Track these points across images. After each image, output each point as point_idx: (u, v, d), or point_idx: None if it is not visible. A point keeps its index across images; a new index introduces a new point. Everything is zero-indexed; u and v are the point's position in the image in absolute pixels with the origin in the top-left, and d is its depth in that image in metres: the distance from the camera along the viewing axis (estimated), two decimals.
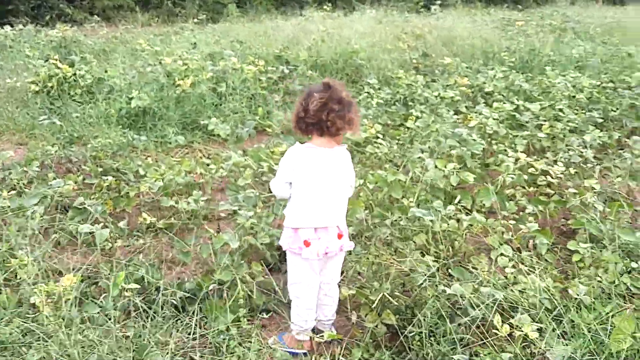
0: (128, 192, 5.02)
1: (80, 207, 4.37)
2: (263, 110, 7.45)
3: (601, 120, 7.24)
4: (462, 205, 4.91)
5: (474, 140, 5.64)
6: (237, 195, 4.90)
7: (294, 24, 12.56)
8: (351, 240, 3.58)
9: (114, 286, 3.37)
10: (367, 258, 4.06)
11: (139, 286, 3.48)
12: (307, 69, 8.87)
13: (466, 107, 7.94)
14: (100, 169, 5.51)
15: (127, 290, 3.37)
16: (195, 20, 13.82)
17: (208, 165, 5.79)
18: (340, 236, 3.38)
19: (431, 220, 4.25)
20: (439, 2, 21.76)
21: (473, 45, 11.13)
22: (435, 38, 11.45)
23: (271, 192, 5.04)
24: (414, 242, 4.33)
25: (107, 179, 5.14)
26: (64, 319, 3.17)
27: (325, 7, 16.04)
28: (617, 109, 7.62)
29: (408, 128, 6.33)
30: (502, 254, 4.00)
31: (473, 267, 4.18)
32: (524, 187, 5.32)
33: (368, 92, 7.46)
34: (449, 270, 4.14)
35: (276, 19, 14.31)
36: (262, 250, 4.24)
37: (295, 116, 3.39)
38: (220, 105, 7.67)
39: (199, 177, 5.63)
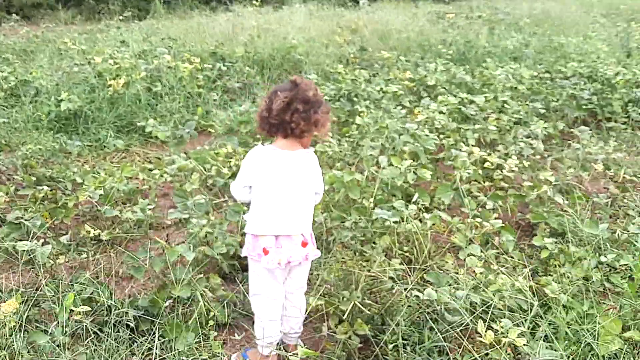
0: (66, 203, 4.64)
1: (16, 221, 3.98)
2: (202, 109, 7.12)
3: (543, 111, 7.26)
4: (422, 204, 4.76)
5: (427, 135, 5.50)
6: (186, 201, 4.60)
7: (225, 19, 12.19)
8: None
9: (63, 309, 3.04)
10: (332, 265, 3.85)
11: (89, 308, 3.16)
12: (245, 65, 8.56)
13: (409, 101, 7.83)
14: (33, 178, 5.09)
15: (77, 314, 3.04)
16: (121, 17, 13.27)
17: (151, 170, 5.45)
18: (304, 244, 3.16)
19: (395, 222, 4.07)
20: None
21: (409, 39, 11.06)
22: (371, 32, 11.32)
23: (222, 198, 4.83)
24: (378, 245, 4.15)
25: (42, 189, 4.75)
26: (6, 349, 2.85)
27: (254, 2, 15.68)
28: (558, 99, 7.65)
29: (357, 125, 6.13)
30: (470, 254, 3.86)
31: (439, 268, 4.04)
32: (478, 182, 5.22)
33: None
34: (417, 273, 4.00)
35: (206, 15, 13.88)
36: (218, 261, 3.97)
37: (258, 115, 3.17)
38: (156, 105, 7.30)
39: (142, 183, 5.29)
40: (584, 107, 7.58)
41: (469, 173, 4.99)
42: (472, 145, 5.73)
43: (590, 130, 6.41)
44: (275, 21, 11.38)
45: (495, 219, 4.50)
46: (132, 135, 6.86)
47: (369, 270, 3.79)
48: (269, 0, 17.95)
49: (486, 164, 5.24)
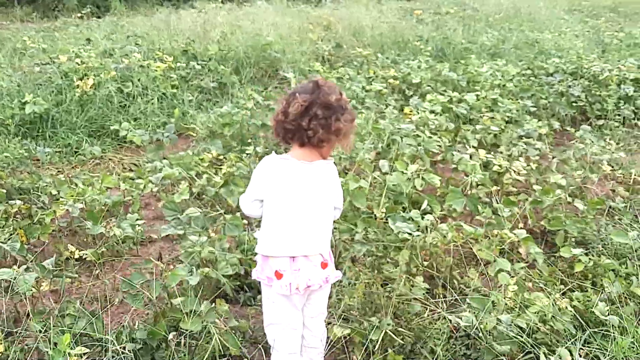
0: (43, 218, 4.16)
1: None
2: (179, 111, 6.66)
3: (534, 109, 7.02)
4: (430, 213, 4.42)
5: (429, 137, 5.17)
6: (177, 214, 4.16)
7: (191, 16, 11.67)
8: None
9: (58, 353, 2.60)
10: (352, 286, 3.48)
11: (88, 350, 2.72)
12: (219, 64, 8.10)
13: (394, 100, 7.52)
14: (3, 191, 4.58)
15: (74, 357, 2.61)
16: (79, 14, 12.62)
17: (133, 179, 4.99)
18: (324, 265, 2.78)
19: (410, 234, 3.71)
20: None
21: (382, 35, 10.74)
22: (343, 28, 10.96)
23: (215, 209, 4.40)
24: (395, 260, 3.80)
25: (14, 204, 4.25)
26: None
27: None
28: (547, 97, 7.42)
29: None
30: (501, 270, 3.53)
31: (465, 286, 3.72)
32: (485, 186, 4.90)
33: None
34: (438, 290, 3.67)
35: (169, 12, 13.32)
36: (220, 283, 3.56)
37: (273, 119, 2.77)
38: (129, 107, 6.81)
39: (123, 193, 4.83)
40: (574, 104, 7.38)
41: (481, 176, 4.67)
42: (474, 147, 5.43)
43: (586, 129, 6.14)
44: (243, 18, 10.91)
45: (512, 228, 4.21)
46: (104, 140, 6.38)
47: (391, 291, 3.44)
48: None
49: (495, 168, 4.93)
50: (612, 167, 5.46)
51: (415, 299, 3.38)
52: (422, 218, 3.99)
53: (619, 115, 7.11)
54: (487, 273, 3.66)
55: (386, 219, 4.07)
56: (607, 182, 5.42)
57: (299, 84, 2.80)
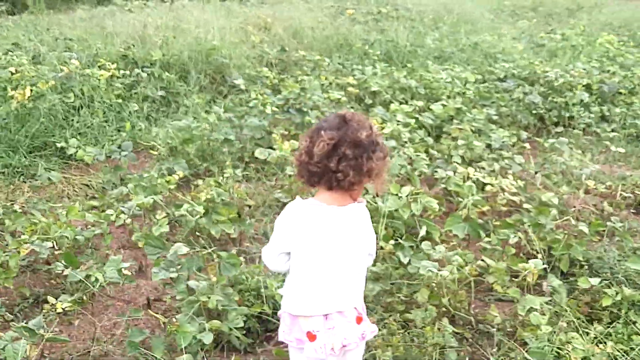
0: (7, 261, 3.61)
1: None
2: (131, 124, 6.11)
3: (496, 117, 6.88)
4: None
5: (417, 155, 4.90)
6: (161, 251, 3.71)
7: (120, 15, 10.98)
8: None
9: None
10: (383, 337, 3.15)
11: None
12: (163, 70, 7.56)
13: (352, 107, 7.23)
14: None
15: None
16: None
17: (97, 207, 4.48)
18: (359, 320, 2.46)
19: (433, 272, 3.42)
20: None
21: (327, 37, 10.40)
22: (283, 29, 10.56)
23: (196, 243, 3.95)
24: (410, 297, 3.51)
25: None
26: None
27: None
28: (506, 104, 7.30)
29: None
30: (532, 309, 3.29)
31: (489, 325, 3.47)
32: (476, 206, 4.66)
33: (257, 98, 6.42)
34: (462, 331, 3.41)
35: (84, 9, 12.51)
36: (229, 335, 3.17)
37: (297, 160, 2.42)
38: (72, 120, 6.20)
39: (85, 226, 4.31)
40: (534, 112, 7.31)
41: (478, 198, 4.43)
42: (458, 164, 5.21)
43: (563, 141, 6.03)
44: (176, 18, 10.31)
45: (516, 254, 4.00)
46: (49, 158, 5.76)
47: (422, 340, 3.14)
48: None
49: (487, 187, 4.71)
50: (595, 181, 5.36)
51: (451, 347, 3.09)
52: (434, 249, 3.73)
53: (583, 123, 7.06)
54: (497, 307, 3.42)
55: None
56: (588, 196, 5.30)
57: (323, 119, 2.44)
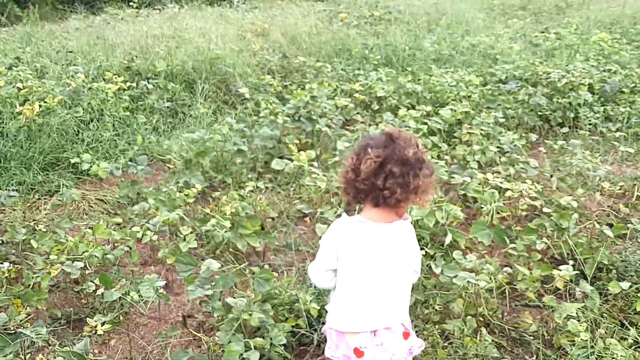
0: (39, 282, 3.59)
1: (10, 332, 2.93)
2: (142, 138, 6.08)
3: (502, 120, 6.91)
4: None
5: (436, 162, 4.92)
6: (192, 267, 3.70)
7: (120, 25, 10.92)
8: None
9: None
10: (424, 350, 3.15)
11: None
12: (168, 81, 7.54)
13: (360, 114, 7.24)
14: None
15: None
16: None
17: (120, 225, 4.46)
18: (406, 335, 2.48)
19: (469, 282, 3.44)
20: None
21: (324, 42, 10.40)
22: (280, 35, 10.55)
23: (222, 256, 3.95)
24: (445, 307, 3.53)
25: (2, 267, 3.66)
26: None
27: (131, 3, 14.41)
28: (512, 107, 7.33)
29: (338, 150, 5.44)
30: (569, 316, 3.31)
31: (525, 332, 3.49)
32: (497, 212, 4.69)
33: (268, 108, 6.41)
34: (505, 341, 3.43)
35: (83, 20, 12.46)
36: (272, 354, 3.17)
37: (343, 177, 2.44)
38: (82, 135, 6.17)
39: (113, 244, 4.30)
40: (539, 114, 7.35)
41: (501, 205, 4.46)
42: (475, 169, 5.24)
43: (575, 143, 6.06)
44: (170, 27, 10.28)
45: (540, 259, 4.03)
46: (62, 174, 5.74)
47: (462, 352, 3.16)
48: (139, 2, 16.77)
49: (508, 193, 4.74)
50: (609, 182, 5.40)
51: (493, 357, 3.11)
52: (465, 258, 3.75)
53: (589, 123, 7.11)
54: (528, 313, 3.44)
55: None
56: (603, 198, 5.34)
57: (368, 137, 2.46)
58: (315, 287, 3.27)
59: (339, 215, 4.63)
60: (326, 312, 3.27)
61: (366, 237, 2.40)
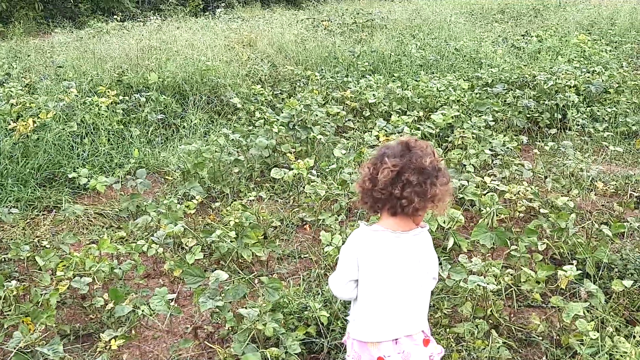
0: (48, 300, 3.59)
1: (25, 351, 2.93)
2: (140, 151, 6.10)
3: (492, 123, 7.01)
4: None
5: None
6: (201, 279, 3.73)
7: (88, 36, 10.93)
8: None
9: None
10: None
11: None
12: (159, 93, 7.56)
13: (350, 120, 7.32)
14: None
15: None
16: None
17: (125, 239, 4.47)
18: (426, 342, 2.51)
19: (478, 285, 3.50)
20: (223, 4, 21.05)
21: (309, 50, 10.47)
22: (267, 45, 10.61)
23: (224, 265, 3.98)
24: (453, 309, 3.58)
25: (10, 285, 3.65)
26: None
27: (116, 17, 14.43)
28: (500, 109, 7.44)
29: (335, 157, 5.50)
30: (577, 316, 3.37)
31: (535, 333, 3.55)
32: (498, 215, 4.76)
33: (263, 117, 6.46)
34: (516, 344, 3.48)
35: (68, 34, 12.45)
36: None
37: (360, 187, 2.46)
38: (77, 149, 6.17)
39: (118, 258, 4.31)
40: (528, 116, 7.46)
41: (500, 207, 4.53)
42: (471, 172, 5.31)
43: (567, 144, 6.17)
44: (158, 40, 10.30)
45: (542, 260, 4.11)
46: (59, 189, 5.73)
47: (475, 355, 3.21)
48: (123, 16, 16.79)
49: (506, 195, 4.81)
50: (602, 182, 5.50)
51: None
52: (470, 261, 3.81)
53: (577, 124, 7.23)
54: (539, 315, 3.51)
55: None
56: (596, 197, 5.43)
57: (385, 146, 2.48)
58: (336, 297, 3.28)
59: (341, 222, 4.71)
60: (337, 319, 3.32)
61: (385, 247, 2.41)
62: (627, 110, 7.75)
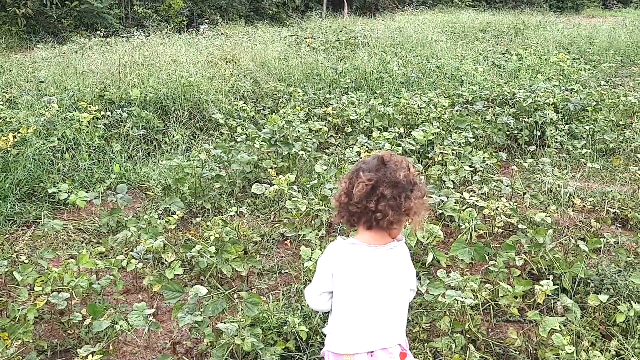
0: (25, 315, 3.57)
1: None
2: (120, 167, 6.09)
3: (472, 140, 7.08)
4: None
5: None
6: (180, 294, 3.73)
7: (71, 51, 10.92)
8: None
9: None
10: None
11: None
12: (141, 109, 7.56)
13: (332, 137, 7.36)
14: None
15: None
16: None
17: (104, 255, 4.46)
18: (403, 356, 2.52)
19: (456, 300, 3.52)
20: (206, 20, 21.13)
21: (292, 67, 10.53)
22: (249, 61, 10.66)
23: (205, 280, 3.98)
24: (431, 324, 3.60)
25: None
26: None
27: (99, 33, 14.44)
28: (481, 126, 7.51)
29: (316, 173, 5.53)
30: (553, 330, 3.41)
31: (512, 348, 3.58)
32: (476, 230, 4.81)
33: (245, 133, 6.48)
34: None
35: (51, 49, 12.44)
36: None
37: (336, 201, 2.49)
38: (57, 164, 6.16)
39: (97, 274, 4.30)
40: (507, 133, 7.55)
41: (479, 223, 4.58)
42: (451, 188, 5.36)
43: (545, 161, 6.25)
44: (141, 55, 10.32)
45: (520, 275, 4.15)
46: (38, 204, 5.71)
47: None
48: (107, 31, 16.82)
49: (484, 211, 4.86)
50: (579, 198, 5.57)
51: None
52: (448, 276, 3.84)
53: (555, 141, 7.31)
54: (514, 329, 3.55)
55: None
56: (574, 214, 5.49)
57: (361, 161, 2.52)
58: (312, 310, 3.30)
59: (322, 237, 4.73)
60: (316, 334, 3.33)
61: (361, 260, 2.44)
62: (605, 128, 7.86)
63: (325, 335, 2.61)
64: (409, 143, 6.61)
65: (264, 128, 6.67)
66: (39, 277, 3.95)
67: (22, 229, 5.37)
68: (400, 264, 2.52)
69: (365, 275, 2.44)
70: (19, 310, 3.58)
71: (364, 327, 2.45)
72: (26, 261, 4.31)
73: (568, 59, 12.55)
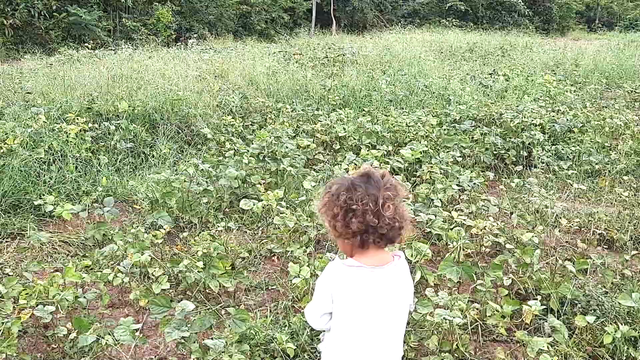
0: (9, 328, 3.52)
1: None
2: (108, 180, 6.06)
3: (460, 159, 7.11)
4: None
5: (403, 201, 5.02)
6: (166, 309, 3.70)
7: (58, 63, 10.89)
8: None
9: None
10: None
11: None
12: (129, 122, 7.54)
13: (320, 153, 7.37)
14: None
15: None
16: None
17: (90, 268, 4.42)
18: None
19: (445, 319, 3.52)
20: (195, 35, 21.17)
21: (281, 83, 10.55)
22: (237, 77, 10.67)
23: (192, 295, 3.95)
24: (420, 344, 3.59)
25: None
26: None
27: (87, 45, 14.42)
28: (468, 145, 7.56)
29: (304, 189, 5.53)
30: (541, 350, 3.41)
31: None
32: (464, 249, 4.82)
33: (233, 148, 6.48)
34: None
35: (38, 60, 12.40)
36: None
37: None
38: (44, 176, 6.11)
39: (82, 287, 4.25)
40: (494, 152, 7.60)
41: (467, 242, 4.59)
42: (439, 207, 5.38)
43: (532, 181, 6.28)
44: (129, 68, 10.30)
45: (509, 294, 4.16)
46: (23, 215, 5.65)
47: None
48: (94, 44, 16.80)
49: (472, 230, 4.87)
50: (566, 219, 5.60)
51: None
52: (437, 295, 3.83)
53: (542, 162, 7.36)
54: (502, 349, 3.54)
55: None
56: (560, 234, 5.52)
57: (331, 182, 2.48)
58: (305, 330, 3.27)
59: (310, 254, 4.71)
60: (303, 351, 3.30)
61: (362, 284, 2.34)
62: (591, 149, 7.92)
63: (320, 352, 2.58)
64: (397, 161, 6.64)
65: (252, 143, 6.67)
66: (23, 289, 3.91)
67: (6, 241, 5.31)
68: (402, 282, 2.45)
69: (367, 300, 2.36)
70: (3, 323, 3.53)
71: (365, 346, 2.40)
72: (11, 273, 4.26)
73: (554, 80, 12.67)
